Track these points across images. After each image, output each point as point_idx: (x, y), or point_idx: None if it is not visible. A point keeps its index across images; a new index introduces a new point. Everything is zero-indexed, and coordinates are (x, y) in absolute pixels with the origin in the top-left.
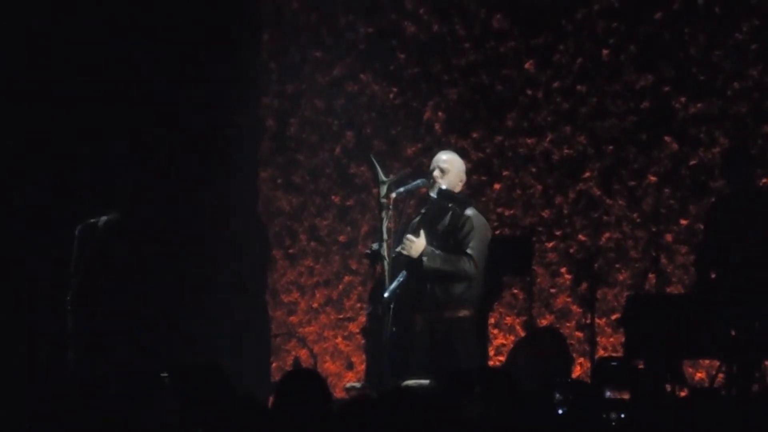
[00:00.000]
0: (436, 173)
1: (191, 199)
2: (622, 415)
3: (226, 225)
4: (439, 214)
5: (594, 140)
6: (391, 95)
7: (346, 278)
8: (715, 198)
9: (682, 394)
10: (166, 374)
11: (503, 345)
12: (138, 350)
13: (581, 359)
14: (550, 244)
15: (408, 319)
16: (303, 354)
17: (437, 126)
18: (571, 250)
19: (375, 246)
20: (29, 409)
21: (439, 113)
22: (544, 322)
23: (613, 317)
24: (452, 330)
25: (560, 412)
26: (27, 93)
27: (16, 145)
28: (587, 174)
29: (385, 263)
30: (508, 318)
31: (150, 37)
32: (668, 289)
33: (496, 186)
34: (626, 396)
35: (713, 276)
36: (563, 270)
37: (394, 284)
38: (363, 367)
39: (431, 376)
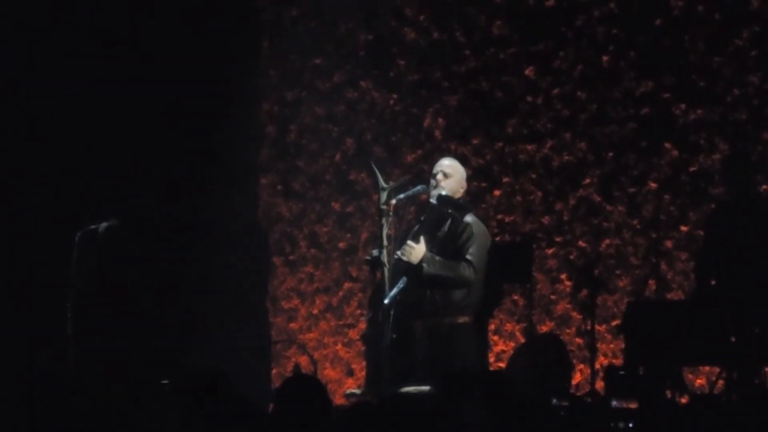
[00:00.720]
0: (439, 176)
1: (191, 205)
2: (630, 425)
3: (226, 231)
4: (438, 221)
5: (594, 147)
6: (391, 102)
7: (346, 285)
8: (715, 204)
9: (683, 400)
10: (166, 381)
11: (503, 351)
12: (138, 357)
13: (581, 366)
14: (551, 251)
15: (408, 325)
16: (303, 360)
17: (437, 133)
18: (572, 257)
19: (375, 252)
20: (28, 415)
21: (439, 120)
22: (544, 329)
23: (614, 324)
24: (452, 336)
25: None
26: (26, 97)
27: (16, 150)
28: (587, 180)
29: (385, 270)
30: (508, 324)
31: (150, 44)
32: (668, 296)
33: (496, 192)
34: (633, 405)
35: (713, 282)
36: (563, 276)
37: (394, 291)
38: (363, 373)
39: (431, 382)
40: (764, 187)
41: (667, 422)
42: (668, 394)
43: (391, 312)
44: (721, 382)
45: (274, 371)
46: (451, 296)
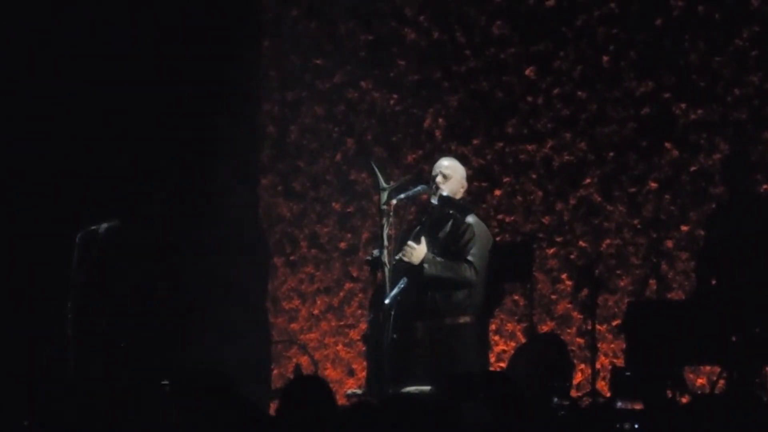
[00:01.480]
0: (439, 179)
1: (191, 206)
2: (636, 426)
3: (227, 232)
4: (440, 221)
5: (594, 147)
6: (392, 102)
7: (347, 285)
8: (715, 204)
9: (683, 400)
10: (166, 382)
11: (504, 351)
12: (138, 357)
13: (582, 365)
14: (551, 251)
15: (408, 325)
16: (304, 361)
17: (438, 133)
18: (572, 257)
19: (376, 253)
20: (30, 417)
21: (440, 120)
22: (545, 329)
23: (614, 323)
24: (453, 336)
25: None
26: (27, 98)
27: (16, 151)
28: (588, 180)
29: (386, 270)
30: (509, 324)
31: (150, 45)
32: (669, 296)
33: (497, 192)
34: (638, 406)
35: (714, 282)
36: (564, 276)
37: (395, 291)
38: (364, 373)
39: (432, 382)
40: (765, 186)
41: (669, 422)
42: (669, 393)
43: (392, 312)
44: (721, 381)
45: (274, 372)
46: (452, 297)
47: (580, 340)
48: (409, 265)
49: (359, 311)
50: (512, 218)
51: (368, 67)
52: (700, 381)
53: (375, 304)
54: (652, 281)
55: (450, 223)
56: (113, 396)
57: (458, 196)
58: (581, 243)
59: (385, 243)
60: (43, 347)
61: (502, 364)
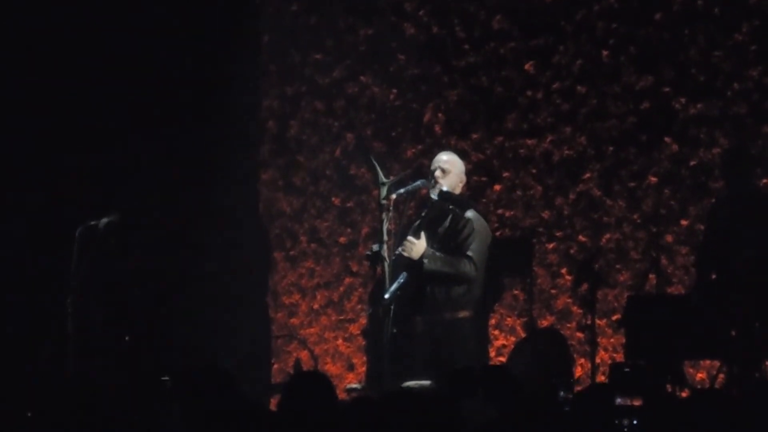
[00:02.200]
0: (438, 173)
1: (191, 201)
2: (635, 422)
3: (227, 227)
4: (439, 216)
5: (594, 141)
6: (391, 97)
7: (347, 280)
8: (715, 199)
9: (683, 394)
10: (167, 378)
11: (504, 346)
12: (138, 353)
13: (582, 360)
14: (551, 245)
15: (408, 320)
16: (304, 356)
17: (437, 127)
18: (572, 251)
19: (375, 247)
20: (29, 411)
21: (439, 114)
22: (544, 323)
23: (614, 318)
24: (452, 331)
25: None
26: (27, 94)
27: (16, 146)
28: (587, 175)
29: (386, 265)
30: (508, 319)
31: (149, 40)
32: (669, 290)
33: (497, 187)
34: (637, 402)
35: (714, 276)
36: (564, 271)
37: (395, 286)
38: (364, 368)
39: (431, 377)
40: (764, 181)
41: (669, 417)
42: (669, 388)
43: (392, 307)
44: (721, 376)
45: (275, 366)
46: (451, 292)
47: (579, 335)
48: (409, 260)
49: (359, 306)
50: (512, 213)
51: (368, 62)
52: (699, 375)
53: (375, 298)
54: (651, 276)
55: (449, 218)
56: (113, 392)
57: (457, 190)
58: (581, 238)
59: (385, 238)
60: (42, 342)
61: (502, 359)
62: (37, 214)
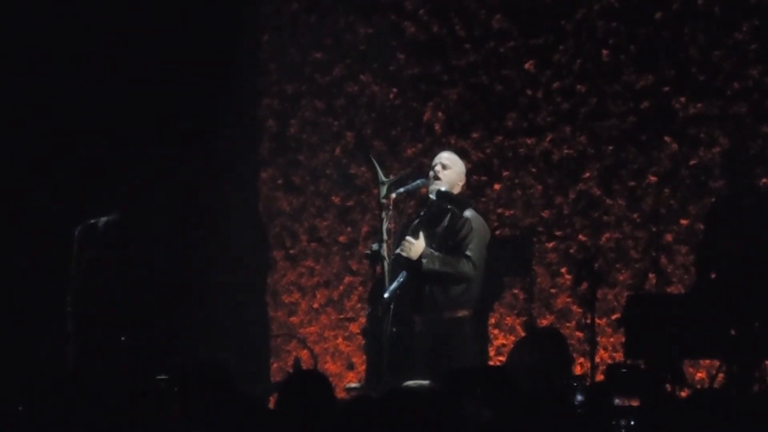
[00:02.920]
0: (438, 167)
1: (191, 199)
2: (632, 422)
3: (227, 226)
4: (438, 216)
5: (594, 140)
6: (391, 96)
7: (347, 279)
8: (715, 198)
9: (683, 394)
10: (164, 376)
11: (504, 345)
12: (138, 351)
13: (581, 359)
14: (550, 245)
15: (407, 319)
16: (303, 354)
17: (437, 126)
18: (571, 251)
19: (375, 246)
20: (28, 409)
21: (439, 114)
22: (544, 323)
23: (614, 317)
24: (451, 330)
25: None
26: (26, 90)
27: (16, 145)
28: (587, 174)
29: (385, 264)
30: (508, 318)
31: (149, 38)
32: (668, 289)
33: (496, 186)
34: (635, 403)
35: (713, 276)
36: (563, 270)
37: (394, 285)
38: (363, 367)
39: (431, 376)
40: (764, 180)
41: (668, 417)
42: (668, 387)
43: (391, 306)
44: (721, 375)
45: (274, 365)
46: (450, 291)
47: (579, 334)
48: (408, 259)
49: (359, 305)
50: (511, 212)
51: (368, 61)
52: (699, 375)
53: (374, 297)
54: (651, 275)
55: (448, 218)
56: (113, 390)
57: (456, 190)
58: (581, 237)
59: (385, 237)
60: (42, 341)
61: (502, 358)
62: (36, 212)
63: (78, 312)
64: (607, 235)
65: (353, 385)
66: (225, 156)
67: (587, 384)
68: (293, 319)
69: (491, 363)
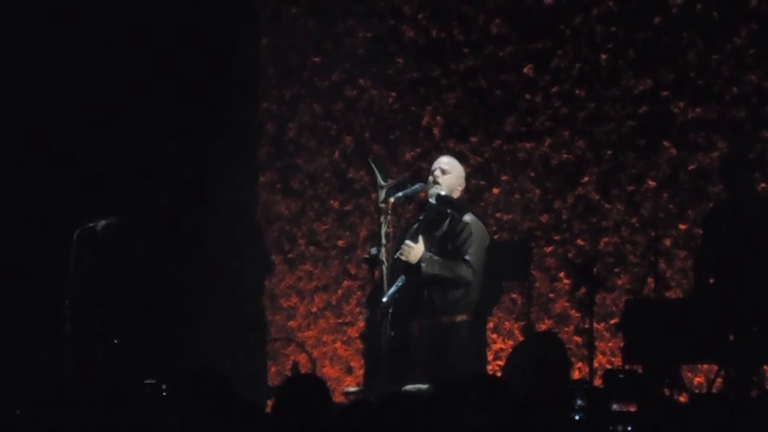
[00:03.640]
0: (437, 172)
1: (189, 203)
2: (629, 428)
3: (225, 230)
4: (437, 220)
5: (593, 145)
6: (390, 100)
7: (345, 283)
8: (713, 203)
9: (681, 398)
10: (158, 380)
11: (502, 349)
12: (136, 355)
13: (580, 364)
14: (549, 249)
15: (406, 324)
16: (302, 359)
17: (436, 130)
18: (570, 255)
19: (374, 251)
20: (26, 414)
21: (438, 118)
22: (542, 327)
23: (612, 322)
24: (449, 335)
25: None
26: (26, 93)
27: (15, 148)
28: (586, 179)
29: (384, 268)
30: (506, 322)
31: (147, 42)
32: (667, 294)
33: (495, 190)
34: (633, 408)
35: (712, 281)
36: (562, 275)
37: (393, 289)
38: (362, 371)
39: (429, 381)
40: (762, 185)
41: (666, 421)
42: (666, 392)
43: (390, 310)
44: (719, 380)
45: (272, 369)
46: (449, 295)
47: (577, 339)
48: (407, 263)
49: (357, 309)
50: (510, 216)
51: (366, 65)
52: (697, 379)
53: (373, 301)
54: (650, 279)
55: (447, 222)
56: (110, 394)
57: (455, 194)
58: (579, 241)
59: (383, 241)
60: (40, 345)
61: (500, 363)
62: (34, 216)
63: (76, 315)
64: (606, 239)
65: (351, 389)
66: (223, 159)
67: (586, 388)
68: (291, 323)
69: (489, 367)
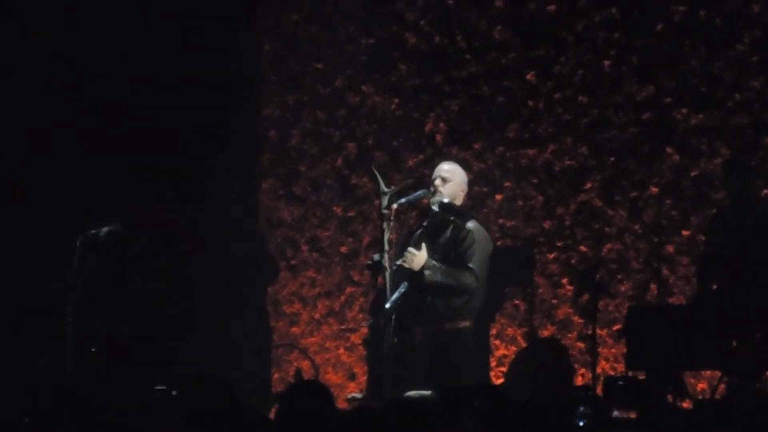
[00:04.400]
0: (438, 182)
1: (192, 210)
2: None
3: (228, 237)
4: (440, 227)
5: (595, 151)
6: (393, 106)
7: (348, 289)
8: (716, 209)
9: (684, 405)
10: (162, 387)
11: (505, 356)
12: (138, 362)
13: (583, 370)
14: (552, 255)
15: (409, 330)
16: (305, 365)
17: (438, 137)
18: (573, 261)
19: (376, 257)
20: (28, 418)
21: (441, 124)
22: (545, 333)
23: (615, 328)
24: (452, 341)
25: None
26: (26, 99)
27: (16, 154)
28: (588, 185)
29: (387, 274)
30: (509, 329)
31: (149, 47)
32: (670, 300)
33: (498, 197)
34: (633, 415)
35: (715, 287)
36: (565, 281)
37: (396, 295)
38: (365, 378)
39: (432, 387)
40: (765, 191)
41: (669, 427)
42: (669, 398)
43: (393, 317)
44: (722, 386)
45: (275, 376)
46: (452, 302)
47: (580, 345)
48: (410, 270)
49: (360, 315)
50: (513, 223)
51: (369, 72)
52: (700, 386)
53: (376, 308)
54: (653, 286)
55: (450, 229)
56: (112, 400)
57: (458, 200)
58: (582, 248)
59: (386, 247)
60: (42, 351)
61: (503, 369)
62: (36, 222)
63: (78, 322)
64: (609, 246)
65: (354, 395)
66: (226, 166)
67: (590, 395)
68: (294, 329)
69: (492, 374)
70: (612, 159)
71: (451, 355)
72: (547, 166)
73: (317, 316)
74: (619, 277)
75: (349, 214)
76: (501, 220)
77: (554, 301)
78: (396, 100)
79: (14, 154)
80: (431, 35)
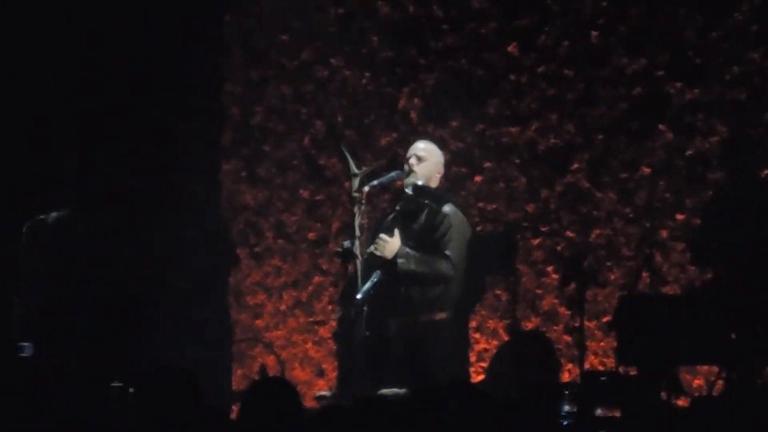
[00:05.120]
0: (412, 160)
1: (149, 193)
2: None
3: (186, 221)
4: (414, 212)
5: (582, 129)
6: (364, 81)
7: (316, 279)
8: (713, 191)
9: (679, 402)
10: (120, 383)
11: (485, 350)
12: (93, 355)
13: (569, 365)
14: (536, 241)
15: (382, 322)
16: (270, 361)
17: (413, 114)
18: (559, 248)
19: (347, 244)
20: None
21: (415, 100)
22: (529, 326)
23: (604, 320)
24: (428, 334)
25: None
26: None
27: None
28: (575, 165)
29: (358, 262)
30: (490, 321)
31: (102, 18)
32: (663, 290)
33: (477, 179)
34: (617, 413)
35: (711, 275)
36: (550, 269)
37: (368, 285)
38: (334, 374)
39: (406, 384)
40: (765, 171)
41: (661, 426)
42: (663, 395)
43: (365, 308)
44: (720, 382)
45: (238, 372)
46: (427, 292)
47: (567, 338)
48: (382, 258)
49: (329, 307)
50: (494, 206)
51: (338, 44)
52: (697, 382)
53: (346, 299)
54: (645, 274)
55: (425, 213)
56: (66, 392)
57: (434, 182)
58: (568, 233)
59: (357, 233)
60: None
61: (483, 364)
62: None
63: (29, 311)
64: (597, 231)
65: (323, 393)
66: (184, 146)
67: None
68: (258, 322)
69: (472, 369)
70: (600, 137)
71: (427, 350)
72: (531, 145)
73: (283, 307)
74: (608, 264)
75: (318, 198)
76: (480, 204)
77: (539, 291)
78: (367, 74)
79: None
80: (405, 4)
